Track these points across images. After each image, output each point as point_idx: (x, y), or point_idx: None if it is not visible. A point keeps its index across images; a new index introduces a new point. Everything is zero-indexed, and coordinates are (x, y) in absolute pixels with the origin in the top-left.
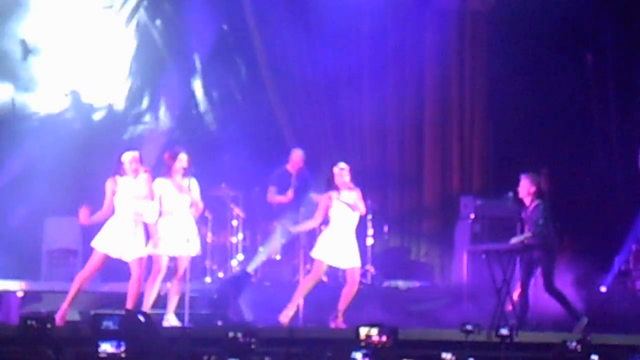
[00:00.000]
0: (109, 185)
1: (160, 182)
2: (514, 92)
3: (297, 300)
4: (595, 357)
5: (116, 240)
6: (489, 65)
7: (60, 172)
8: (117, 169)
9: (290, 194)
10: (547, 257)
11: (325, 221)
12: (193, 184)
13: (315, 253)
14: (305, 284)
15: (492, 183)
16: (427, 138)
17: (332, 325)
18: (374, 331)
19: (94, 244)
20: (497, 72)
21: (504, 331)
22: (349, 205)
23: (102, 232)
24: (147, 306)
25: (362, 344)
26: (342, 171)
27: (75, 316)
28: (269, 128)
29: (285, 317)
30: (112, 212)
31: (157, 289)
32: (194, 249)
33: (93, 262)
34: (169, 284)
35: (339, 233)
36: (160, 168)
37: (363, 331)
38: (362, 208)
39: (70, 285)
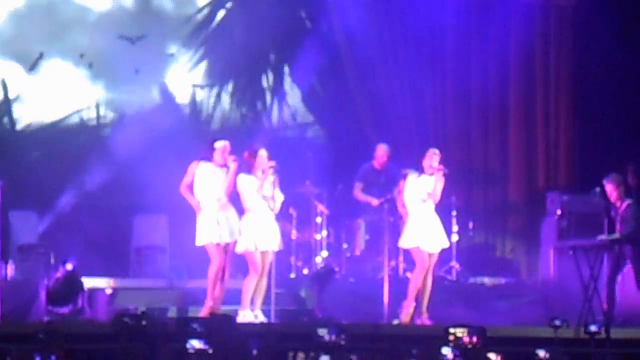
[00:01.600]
0: (192, 168)
1: (243, 178)
2: (599, 87)
3: (412, 296)
4: None
5: (218, 227)
6: (574, 60)
7: (149, 170)
8: (206, 155)
9: (376, 201)
10: (638, 256)
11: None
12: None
13: (405, 243)
14: (415, 278)
15: (579, 178)
16: (511, 133)
17: (418, 321)
18: (464, 331)
19: (198, 242)
20: (582, 67)
21: (593, 328)
22: (424, 191)
23: (199, 228)
24: (245, 304)
25: (451, 344)
26: (433, 155)
27: (173, 312)
28: (352, 125)
29: (406, 315)
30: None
31: (253, 286)
32: (277, 245)
33: (213, 256)
34: None
35: (420, 218)
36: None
37: (452, 331)
38: (437, 195)
39: (159, 282)
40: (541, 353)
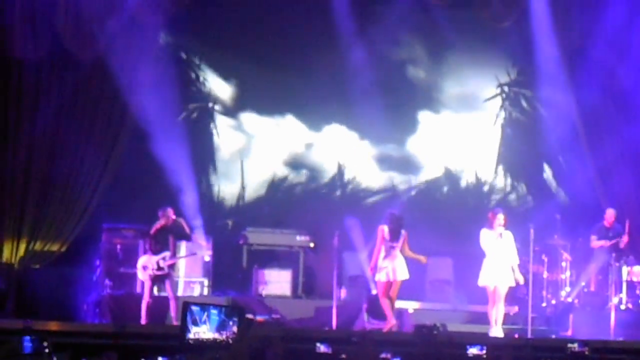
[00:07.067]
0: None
1: (485, 232)
2: None
3: None
4: None
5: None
6: None
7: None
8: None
9: (608, 243)
10: None
11: None
12: (508, 235)
13: None
14: None
15: None
16: None
17: None
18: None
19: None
20: None
21: None
22: None
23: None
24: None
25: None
26: None
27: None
28: (588, 195)
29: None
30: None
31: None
32: (512, 280)
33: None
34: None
35: None
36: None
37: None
38: None
39: (445, 305)
40: None
